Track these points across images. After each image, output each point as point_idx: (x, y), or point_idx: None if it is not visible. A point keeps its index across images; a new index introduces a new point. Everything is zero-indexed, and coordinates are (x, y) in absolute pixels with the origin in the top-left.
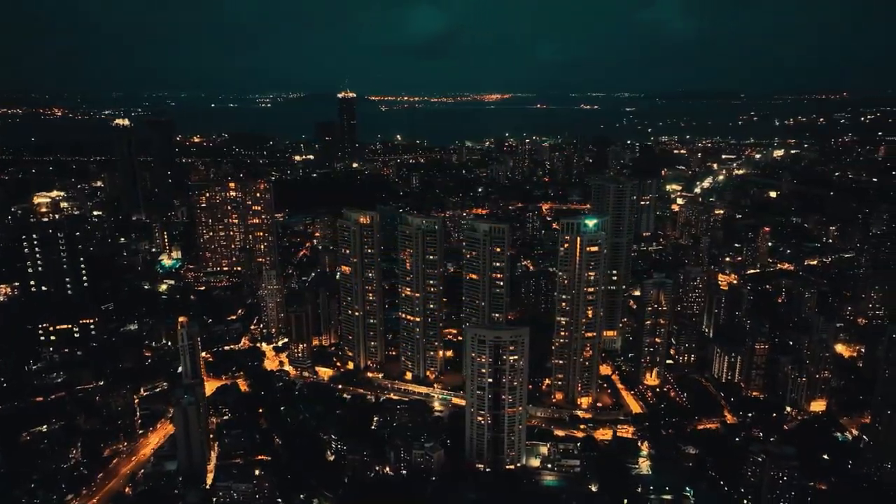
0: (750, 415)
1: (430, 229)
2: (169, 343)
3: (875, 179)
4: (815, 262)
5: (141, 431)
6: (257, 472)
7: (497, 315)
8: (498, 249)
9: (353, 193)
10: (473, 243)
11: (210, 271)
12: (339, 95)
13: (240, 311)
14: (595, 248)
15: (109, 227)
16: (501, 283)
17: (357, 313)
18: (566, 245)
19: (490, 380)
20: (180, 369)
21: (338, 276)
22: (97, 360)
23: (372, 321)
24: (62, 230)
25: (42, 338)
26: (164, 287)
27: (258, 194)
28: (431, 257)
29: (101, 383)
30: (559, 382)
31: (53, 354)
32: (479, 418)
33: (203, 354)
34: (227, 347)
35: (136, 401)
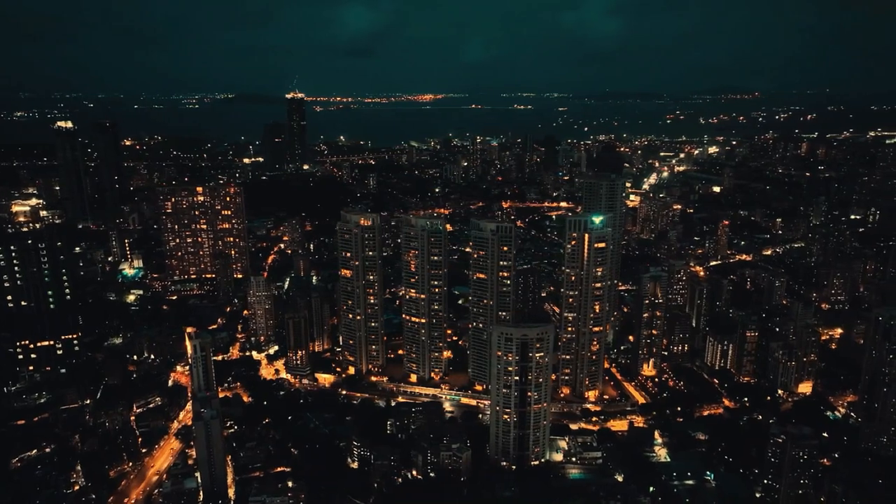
0: (745, 399)
1: (435, 230)
2: (152, 356)
3: (808, 174)
4: (769, 253)
5: (144, 450)
6: (290, 484)
7: (503, 313)
8: (505, 248)
9: (309, 196)
10: (481, 243)
11: (178, 279)
12: (288, 96)
13: (220, 320)
14: (602, 245)
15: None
16: (509, 282)
17: (359, 317)
18: (573, 242)
19: (517, 377)
20: (171, 383)
21: (314, 281)
22: (81, 377)
23: (373, 324)
24: (43, 240)
25: (21, 357)
26: (131, 297)
27: (228, 198)
28: (436, 258)
29: (88, 402)
30: (566, 377)
31: (34, 374)
32: (505, 416)
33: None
34: (216, 358)
35: (132, 418)
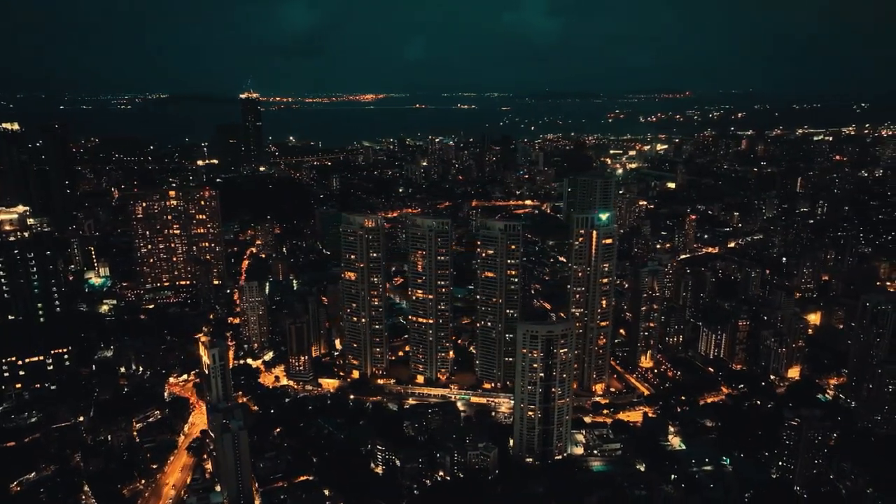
0: (741, 386)
1: (442, 230)
2: (141, 368)
3: (755, 169)
4: (733, 245)
5: (155, 466)
6: (326, 493)
7: (511, 311)
8: (513, 247)
9: (271, 198)
10: (489, 241)
11: (151, 288)
12: (242, 96)
13: (205, 329)
14: (609, 241)
15: None
16: (516, 280)
17: (363, 320)
18: (581, 239)
19: (542, 374)
20: (166, 395)
21: (295, 285)
22: (73, 393)
23: (377, 327)
24: (32, 250)
25: (7, 374)
26: (104, 308)
27: (203, 202)
28: (441, 258)
29: (81, 419)
30: (573, 372)
31: (23, 392)
32: (530, 413)
33: (185, 377)
34: None
35: (134, 434)
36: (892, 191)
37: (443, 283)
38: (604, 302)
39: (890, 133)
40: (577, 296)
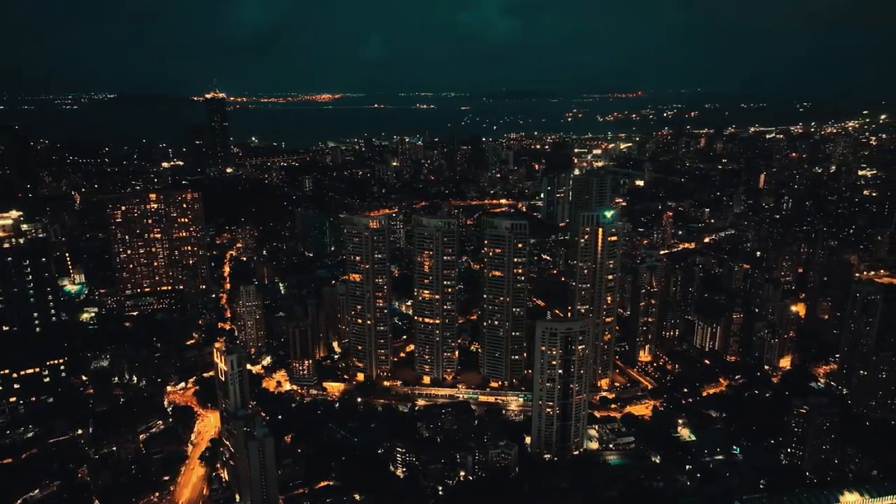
0: (738, 376)
1: (448, 229)
2: (136, 378)
3: (719, 167)
4: (708, 240)
5: (167, 478)
6: (357, 497)
7: (517, 310)
8: (520, 245)
9: (243, 200)
10: (497, 240)
11: (132, 294)
12: (208, 96)
13: (195, 335)
14: (615, 238)
15: None
16: (523, 279)
17: (369, 322)
18: (586, 237)
19: (560, 371)
20: (166, 403)
21: (282, 290)
22: (69, 406)
23: (382, 328)
24: (28, 257)
25: (1, 387)
26: (86, 316)
27: (185, 205)
28: (447, 258)
29: (80, 432)
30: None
31: (17, 405)
32: (548, 409)
33: (182, 385)
34: (207, 374)
35: (140, 445)
36: (846, 186)
37: (449, 282)
38: (609, 298)
39: (835, 131)
40: (583, 293)
